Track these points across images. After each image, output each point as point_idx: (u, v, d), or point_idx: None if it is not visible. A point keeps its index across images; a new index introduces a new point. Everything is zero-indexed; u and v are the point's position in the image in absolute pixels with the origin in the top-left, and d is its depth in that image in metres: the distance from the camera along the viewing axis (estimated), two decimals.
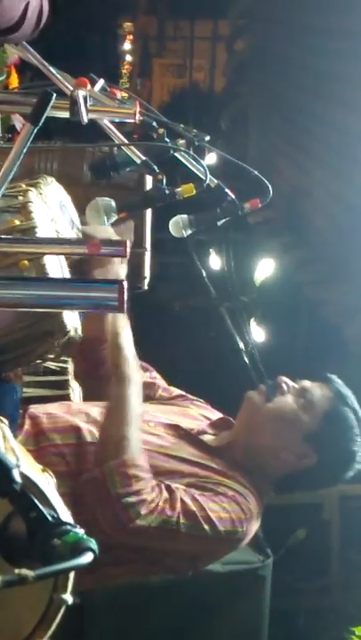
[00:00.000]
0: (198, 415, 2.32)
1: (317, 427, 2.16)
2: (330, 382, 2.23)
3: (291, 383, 2.21)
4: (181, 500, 1.96)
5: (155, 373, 2.44)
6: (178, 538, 1.95)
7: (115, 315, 1.99)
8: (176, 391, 2.42)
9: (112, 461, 1.93)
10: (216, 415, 2.35)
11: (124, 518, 1.89)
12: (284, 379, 2.22)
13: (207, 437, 2.22)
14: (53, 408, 2.17)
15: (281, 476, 2.19)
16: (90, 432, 2.07)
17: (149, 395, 2.38)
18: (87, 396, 2.37)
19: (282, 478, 2.19)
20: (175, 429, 2.19)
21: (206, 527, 1.97)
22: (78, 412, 2.18)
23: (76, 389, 2.39)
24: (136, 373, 2.05)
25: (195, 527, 1.96)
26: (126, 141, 2.02)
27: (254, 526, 2.11)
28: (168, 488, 1.97)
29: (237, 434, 2.21)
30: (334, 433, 2.17)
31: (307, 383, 2.22)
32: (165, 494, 1.95)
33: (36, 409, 2.14)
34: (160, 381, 2.43)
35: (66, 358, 2.30)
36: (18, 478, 1.11)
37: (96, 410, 2.15)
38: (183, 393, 2.42)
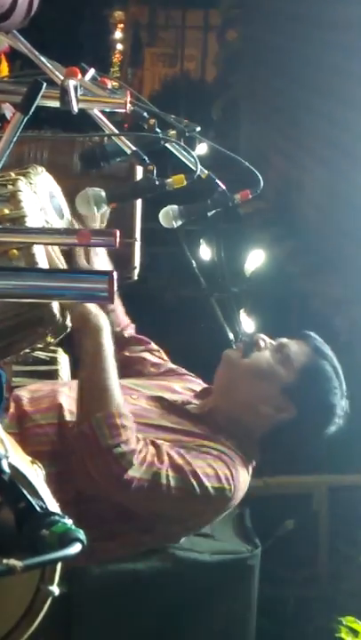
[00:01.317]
0: (183, 389, 2.32)
1: (295, 379, 2.16)
2: (308, 338, 2.24)
3: (268, 339, 2.22)
4: (168, 454, 1.96)
5: (152, 345, 2.43)
6: (168, 494, 1.94)
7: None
8: (167, 366, 2.41)
9: (98, 413, 1.92)
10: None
11: (117, 469, 1.89)
12: (262, 335, 2.23)
13: (191, 407, 2.22)
14: (37, 386, 2.17)
15: (264, 434, 2.18)
16: (70, 412, 2.07)
17: (139, 370, 2.38)
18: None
19: (265, 435, 2.18)
20: (158, 401, 2.19)
21: (194, 482, 1.96)
22: (62, 385, 2.18)
23: (64, 378, 2.39)
24: (105, 322, 2.03)
25: (183, 481, 1.95)
26: (117, 131, 2.01)
27: (242, 487, 2.09)
28: (153, 442, 1.97)
29: (217, 395, 2.21)
30: (312, 385, 2.17)
31: (284, 340, 2.22)
32: (152, 448, 1.95)
33: (20, 390, 2.14)
34: (156, 354, 2.41)
35: (55, 348, 2.30)
36: (6, 469, 1.11)
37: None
38: (175, 367, 2.42)
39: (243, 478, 2.09)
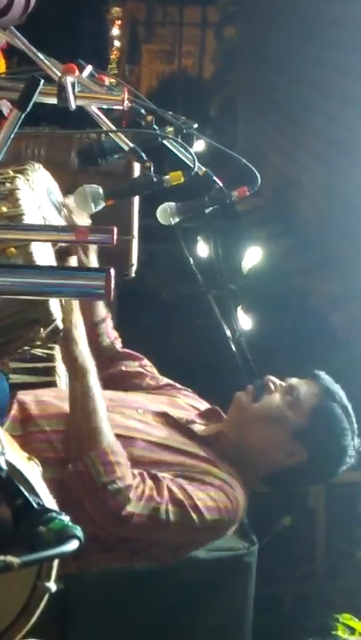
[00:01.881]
0: (186, 405, 2.32)
1: (305, 423, 2.16)
2: (317, 379, 2.23)
3: (278, 382, 2.22)
4: (168, 489, 1.97)
5: (145, 361, 2.43)
6: (167, 527, 1.96)
7: (68, 306, 1.97)
8: (164, 380, 2.42)
9: (92, 452, 1.93)
10: (204, 405, 2.35)
11: (114, 505, 1.90)
12: (272, 378, 2.22)
13: (196, 427, 2.22)
14: (42, 393, 2.17)
15: (270, 472, 2.19)
16: None
17: (137, 384, 2.38)
18: None
19: (271, 475, 2.19)
20: (164, 417, 2.19)
21: (194, 516, 1.98)
22: (67, 397, 2.18)
23: (62, 376, 2.39)
24: (92, 363, 2.03)
25: (183, 515, 1.97)
26: (114, 128, 2.01)
27: (240, 515, 2.11)
28: (153, 477, 1.98)
29: (227, 429, 2.21)
30: (323, 428, 2.17)
31: (294, 381, 2.22)
32: (150, 482, 1.96)
33: (24, 394, 2.14)
34: (150, 369, 2.42)
35: (52, 345, 2.30)
36: (3, 465, 1.11)
37: None
38: (171, 382, 2.42)
39: (242, 504, 2.10)
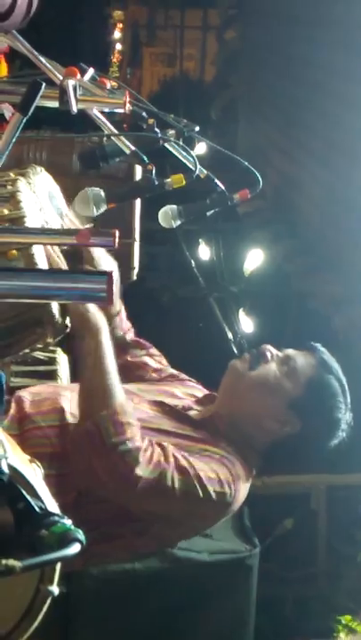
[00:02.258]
0: (184, 395, 2.31)
1: (301, 393, 2.15)
2: (314, 350, 2.22)
3: (275, 351, 2.21)
4: (174, 456, 1.95)
5: (153, 350, 2.42)
6: (172, 494, 1.94)
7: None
8: (168, 372, 2.41)
9: (103, 412, 1.91)
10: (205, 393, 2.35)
11: (124, 467, 1.88)
12: (268, 347, 2.21)
13: (192, 413, 2.22)
14: (40, 389, 2.17)
15: (266, 445, 2.17)
16: (72, 414, 2.07)
17: (141, 375, 2.37)
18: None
19: (267, 448, 2.18)
20: (160, 405, 2.18)
21: (197, 484, 1.96)
22: (64, 389, 2.18)
23: (64, 379, 2.39)
24: (103, 322, 2.01)
25: (187, 484, 1.95)
26: (116, 131, 2.02)
27: (243, 492, 2.08)
28: (159, 444, 1.96)
29: (221, 404, 2.20)
30: (317, 400, 2.15)
31: (291, 351, 2.20)
32: (158, 448, 1.95)
33: (22, 391, 2.13)
34: (158, 358, 2.40)
35: (54, 348, 2.30)
36: (5, 469, 1.11)
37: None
38: (176, 373, 2.41)
39: (243, 483, 2.08)
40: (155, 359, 2.40)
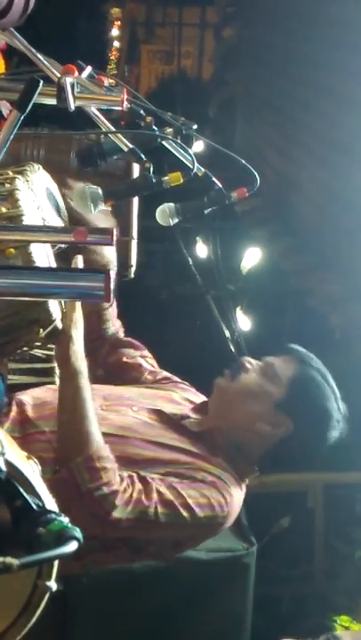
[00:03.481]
0: (182, 399, 2.33)
1: (285, 393, 2.18)
2: (291, 351, 2.26)
3: (253, 361, 2.24)
4: (157, 491, 1.97)
5: (145, 352, 2.44)
6: (158, 527, 1.97)
7: (70, 304, 1.97)
8: (162, 374, 2.42)
9: (78, 458, 1.92)
10: (201, 399, 2.36)
11: (100, 512, 1.90)
12: (247, 358, 2.25)
13: (190, 422, 2.23)
14: (41, 393, 2.17)
15: (263, 451, 2.19)
16: None
17: (135, 377, 2.38)
18: None
19: (265, 454, 2.20)
20: (158, 414, 2.19)
21: (185, 514, 1.98)
22: None
23: None
24: (84, 365, 2.02)
25: (174, 515, 1.97)
26: (114, 129, 2.01)
27: (236, 510, 2.11)
28: (143, 479, 1.97)
29: (214, 419, 2.22)
30: (304, 395, 2.18)
31: (269, 358, 2.24)
32: (139, 485, 1.96)
33: (22, 395, 2.14)
34: (150, 361, 2.43)
35: (52, 346, 2.30)
36: (3, 467, 1.11)
37: None
38: (169, 375, 2.43)
39: (236, 500, 2.11)
40: (147, 361, 2.42)
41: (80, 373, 2.00)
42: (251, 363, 2.23)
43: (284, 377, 2.19)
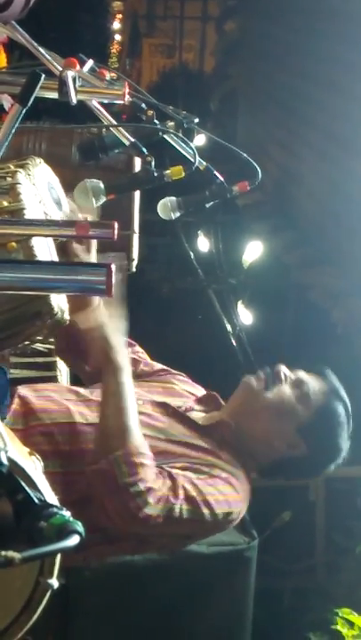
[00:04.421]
0: (183, 391, 2.33)
1: (311, 420, 2.19)
2: (324, 375, 2.25)
3: (288, 373, 2.23)
4: (183, 487, 1.98)
5: (137, 347, 2.44)
6: (180, 523, 1.98)
7: (106, 302, 1.99)
8: (157, 366, 2.42)
9: (118, 451, 1.93)
10: (199, 390, 2.36)
11: (134, 508, 1.91)
12: (283, 368, 2.23)
13: (195, 415, 2.23)
14: (43, 388, 2.17)
15: (269, 461, 2.21)
16: (80, 413, 2.08)
17: (132, 371, 2.38)
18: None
19: (269, 464, 2.22)
20: (164, 407, 2.20)
21: (205, 511, 1.99)
22: (68, 391, 2.19)
23: (63, 371, 2.39)
24: (127, 362, 2.05)
25: (195, 512, 1.98)
26: (115, 123, 2.01)
27: (246, 506, 2.14)
28: (170, 475, 1.99)
29: (229, 415, 2.22)
30: (326, 427, 2.19)
31: (303, 375, 2.23)
32: (168, 482, 1.97)
33: (25, 389, 2.14)
34: (142, 356, 2.43)
35: (53, 340, 2.30)
36: (5, 461, 1.11)
37: (86, 390, 2.17)
38: (165, 367, 2.43)
39: (247, 494, 2.13)
40: (140, 356, 2.42)
41: (122, 369, 2.03)
42: (285, 374, 2.23)
43: (314, 402, 2.20)
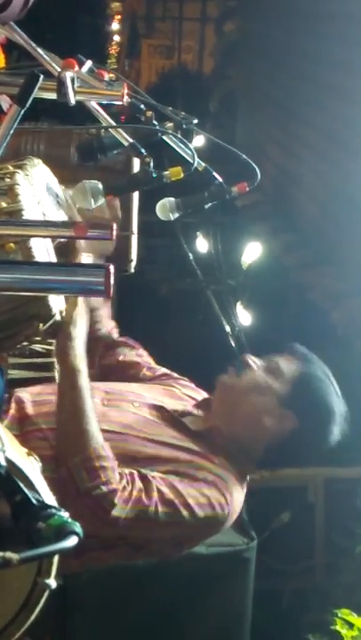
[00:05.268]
0: (183, 395, 2.33)
1: (290, 389, 2.19)
2: (293, 349, 2.27)
3: (257, 360, 2.25)
4: (158, 490, 1.96)
5: (141, 351, 2.44)
6: (157, 526, 1.97)
7: (72, 301, 1.97)
8: (160, 370, 2.42)
9: (76, 457, 1.92)
10: (201, 395, 2.36)
11: (99, 511, 1.89)
12: (250, 356, 2.25)
13: (191, 419, 2.23)
14: (40, 390, 2.17)
15: (266, 446, 2.19)
16: None
17: (134, 374, 2.38)
18: None
19: (269, 449, 2.19)
20: (159, 410, 2.19)
21: (185, 513, 1.98)
22: None
23: None
24: (84, 364, 2.02)
25: (173, 514, 1.97)
26: (114, 123, 2.01)
27: (237, 510, 2.12)
28: (144, 478, 1.97)
29: (216, 417, 2.22)
30: (307, 391, 2.19)
31: (272, 357, 2.25)
32: (139, 484, 1.95)
33: (21, 392, 2.14)
34: (146, 359, 2.43)
35: (51, 340, 2.30)
36: (3, 462, 1.11)
37: None
38: (168, 372, 2.43)
39: (237, 499, 2.11)
40: (144, 359, 2.42)
41: (78, 372, 2.00)
42: (254, 360, 2.24)
43: (288, 374, 2.20)
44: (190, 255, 6.77)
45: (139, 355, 2.42)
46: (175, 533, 2.05)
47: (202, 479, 2.04)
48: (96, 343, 2.37)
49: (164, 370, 2.43)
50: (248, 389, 2.20)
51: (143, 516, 1.93)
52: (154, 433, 2.11)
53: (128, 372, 2.38)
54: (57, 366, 2.04)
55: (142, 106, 2.02)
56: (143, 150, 1.93)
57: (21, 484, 1.12)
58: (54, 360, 2.32)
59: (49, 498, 1.16)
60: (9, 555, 0.99)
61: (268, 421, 2.17)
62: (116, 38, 15.90)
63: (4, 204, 1.76)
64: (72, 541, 1.05)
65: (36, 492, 1.15)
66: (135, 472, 1.98)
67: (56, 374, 2.33)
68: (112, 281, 1.27)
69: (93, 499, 1.89)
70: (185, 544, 2.15)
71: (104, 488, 1.90)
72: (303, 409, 2.17)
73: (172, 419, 2.18)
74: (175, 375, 2.43)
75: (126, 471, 1.96)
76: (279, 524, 4.53)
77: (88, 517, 1.88)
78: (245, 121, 9.83)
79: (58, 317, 1.81)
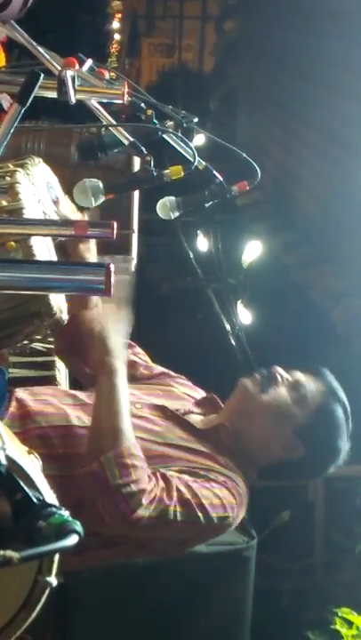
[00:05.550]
0: (182, 394, 2.32)
1: (308, 421, 2.17)
2: (322, 376, 2.24)
3: (285, 375, 2.21)
4: (177, 489, 1.97)
5: (137, 349, 2.44)
6: (174, 526, 1.97)
7: (111, 302, 1.99)
8: (158, 369, 2.42)
9: (109, 453, 1.93)
10: (199, 392, 2.35)
11: (126, 509, 1.90)
12: (279, 369, 2.22)
13: (194, 418, 2.22)
14: (40, 391, 2.17)
15: (267, 464, 2.21)
16: (77, 416, 2.08)
17: (131, 374, 2.38)
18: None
19: (268, 466, 2.21)
20: (162, 411, 2.19)
21: (200, 514, 1.98)
22: (65, 394, 2.18)
23: (62, 370, 2.39)
24: (122, 364, 2.04)
25: (189, 515, 1.97)
26: (114, 122, 2.01)
27: (243, 510, 2.12)
28: (164, 477, 1.98)
29: (227, 418, 2.21)
30: (324, 429, 2.18)
31: (300, 376, 2.21)
32: (162, 483, 1.96)
33: (22, 391, 2.14)
34: (143, 357, 2.42)
35: (52, 339, 2.30)
36: (3, 460, 1.11)
37: (83, 393, 2.16)
38: (165, 370, 2.42)
39: (245, 498, 2.12)
40: (140, 358, 2.41)
41: (116, 371, 2.02)
42: (282, 375, 2.21)
43: (312, 403, 2.18)
44: (191, 254, 6.78)
45: (135, 353, 2.42)
46: (186, 533, 2.05)
47: (213, 479, 2.04)
48: (92, 341, 2.37)
49: (161, 368, 2.43)
50: (269, 408, 2.18)
51: (163, 516, 1.94)
52: (159, 432, 2.11)
53: (127, 372, 2.38)
54: (58, 362, 2.04)
55: (143, 104, 2.02)
56: (144, 149, 1.93)
57: (22, 483, 1.12)
58: (54, 359, 2.32)
59: (49, 496, 1.16)
60: (9, 553, 0.99)
61: (276, 447, 2.18)
62: (117, 37, 15.90)
63: (4, 203, 1.77)
64: (72, 540, 1.05)
65: (37, 490, 1.15)
66: (157, 472, 1.98)
67: (57, 373, 2.34)
68: (112, 280, 1.27)
69: (123, 496, 1.90)
70: (190, 543, 2.15)
71: (134, 487, 1.90)
72: (313, 445, 2.18)
73: (175, 418, 2.18)
74: (172, 374, 2.42)
75: (149, 471, 1.97)
76: (279, 522, 4.53)
77: (113, 513, 1.90)
78: (246, 120, 9.83)
79: (58, 316, 1.82)
